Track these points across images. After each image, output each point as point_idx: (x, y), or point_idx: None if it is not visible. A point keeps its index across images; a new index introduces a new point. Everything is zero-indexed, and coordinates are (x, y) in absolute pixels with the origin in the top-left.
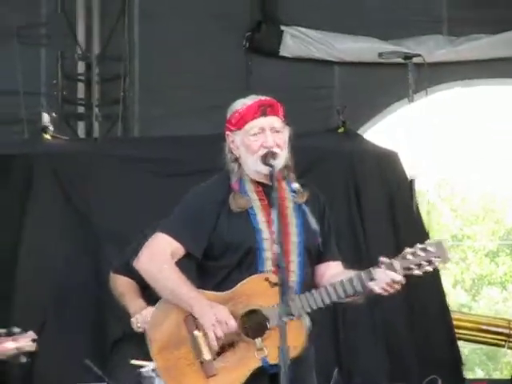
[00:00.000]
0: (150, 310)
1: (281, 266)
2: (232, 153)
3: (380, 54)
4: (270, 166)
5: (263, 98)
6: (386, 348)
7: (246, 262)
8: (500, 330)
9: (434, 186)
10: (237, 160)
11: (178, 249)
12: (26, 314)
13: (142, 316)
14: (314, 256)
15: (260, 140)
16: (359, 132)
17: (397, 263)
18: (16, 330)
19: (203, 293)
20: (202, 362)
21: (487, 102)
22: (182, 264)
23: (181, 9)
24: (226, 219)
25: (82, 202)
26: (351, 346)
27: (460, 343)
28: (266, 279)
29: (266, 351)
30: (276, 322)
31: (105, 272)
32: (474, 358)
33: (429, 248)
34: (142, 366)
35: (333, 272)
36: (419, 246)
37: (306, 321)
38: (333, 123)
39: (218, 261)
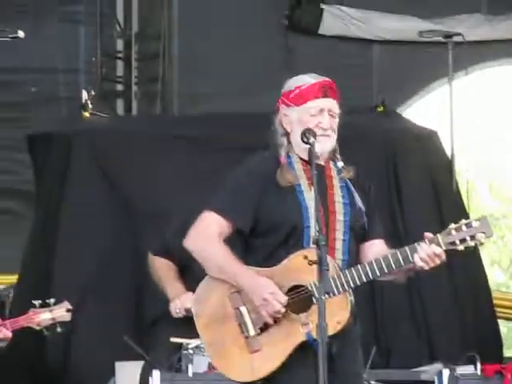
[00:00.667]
0: (190, 295)
1: (319, 244)
2: (283, 127)
3: (420, 33)
4: (308, 143)
5: (325, 78)
6: (425, 327)
7: (293, 238)
8: None
9: (472, 166)
10: (287, 135)
11: (226, 226)
12: (66, 295)
13: (180, 301)
14: (358, 235)
15: (317, 120)
16: (398, 111)
17: (441, 238)
18: (51, 300)
19: (250, 268)
20: (246, 337)
21: None
22: (229, 242)
23: None
24: (274, 195)
25: (121, 181)
26: (390, 325)
27: (499, 322)
28: (305, 257)
29: (311, 326)
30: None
31: (144, 252)
32: None
33: (473, 224)
34: (181, 344)
35: (377, 249)
36: (463, 221)
37: (351, 297)
38: (372, 102)
39: (264, 237)
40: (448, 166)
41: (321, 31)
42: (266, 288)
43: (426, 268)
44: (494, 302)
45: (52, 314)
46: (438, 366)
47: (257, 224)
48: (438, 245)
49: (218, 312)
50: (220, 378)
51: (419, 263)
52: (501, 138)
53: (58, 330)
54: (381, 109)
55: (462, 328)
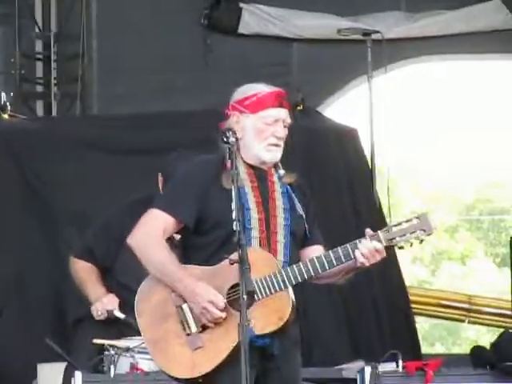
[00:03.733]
0: (111, 296)
1: (240, 243)
2: (234, 132)
3: (339, 31)
4: (228, 142)
5: (279, 88)
6: (346, 325)
7: (234, 239)
8: (460, 305)
9: (394, 164)
10: (236, 140)
11: (170, 222)
12: None
13: (102, 303)
14: (298, 239)
15: (272, 128)
16: (318, 109)
17: (381, 234)
18: None
19: (190, 268)
20: (188, 335)
21: (446, 78)
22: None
23: None
24: (218, 195)
25: (40, 183)
26: (312, 324)
27: (421, 319)
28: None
29: (253, 322)
30: (262, 294)
31: (64, 253)
32: (434, 333)
33: (413, 221)
34: (104, 345)
35: (317, 254)
36: (404, 219)
37: (292, 295)
38: (291, 101)
39: (206, 236)
40: (367, 164)
41: (240, 30)
42: (204, 297)
43: (367, 264)
44: (416, 298)
45: None
46: (360, 363)
47: (200, 223)
48: (379, 241)
49: (160, 310)
50: (142, 379)
51: (360, 259)
52: (422, 136)
53: None
54: (300, 107)
55: (379, 327)
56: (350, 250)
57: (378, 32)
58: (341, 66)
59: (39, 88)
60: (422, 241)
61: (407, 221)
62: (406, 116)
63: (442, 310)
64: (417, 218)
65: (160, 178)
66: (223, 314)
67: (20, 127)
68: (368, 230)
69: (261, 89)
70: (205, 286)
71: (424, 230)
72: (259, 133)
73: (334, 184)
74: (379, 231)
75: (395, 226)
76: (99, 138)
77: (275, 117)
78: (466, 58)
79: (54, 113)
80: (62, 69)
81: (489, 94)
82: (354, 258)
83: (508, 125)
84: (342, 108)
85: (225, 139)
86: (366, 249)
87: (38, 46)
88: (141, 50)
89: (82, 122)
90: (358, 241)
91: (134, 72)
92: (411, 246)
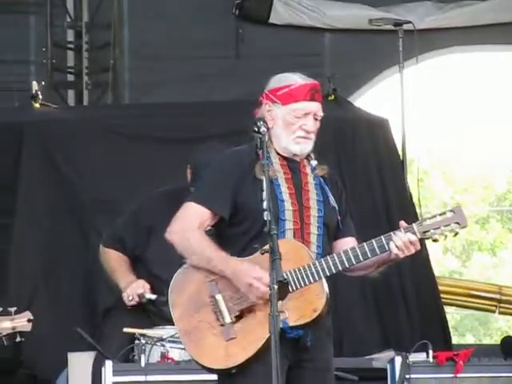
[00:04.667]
0: (141, 282)
1: (271, 233)
2: (265, 122)
3: (370, 21)
4: (259, 132)
5: (313, 80)
6: (376, 315)
7: (265, 229)
8: (490, 295)
9: (425, 154)
10: (268, 130)
11: (206, 215)
12: (20, 283)
13: (132, 289)
14: (331, 231)
15: (301, 122)
16: (350, 99)
17: (415, 226)
18: (12, 309)
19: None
20: (222, 325)
21: (477, 69)
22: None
23: None
24: (252, 186)
25: (72, 171)
26: (342, 314)
27: (452, 309)
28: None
29: (287, 313)
30: (296, 285)
31: (95, 242)
32: (465, 323)
33: (447, 214)
34: (134, 335)
35: (350, 246)
36: (438, 212)
37: (326, 286)
38: (323, 91)
39: (240, 226)
40: (398, 155)
41: (271, 20)
42: (250, 273)
43: (401, 256)
44: (447, 289)
45: (12, 323)
46: (390, 353)
47: (234, 214)
48: (413, 233)
49: (194, 300)
50: (172, 368)
51: (395, 250)
52: (453, 127)
53: (17, 339)
54: (331, 97)
55: (409, 317)
56: (384, 241)
57: (409, 22)
58: (372, 57)
59: (70, 77)
60: (456, 234)
61: (441, 214)
62: (437, 107)
63: (473, 300)
64: (451, 211)
65: (189, 171)
66: (268, 290)
67: (51, 116)
68: (402, 222)
69: (295, 80)
70: (250, 264)
71: (458, 223)
72: (288, 125)
73: (364, 175)
74: (413, 224)
75: (429, 218)
76: (130, 127)
77: (306, 110)
78: (495, 48)
79: (85, 102)
80: (94, 58)
81: None
82: (389, 249)
83: None
84: (374, 98)
85: (256, 129)
86: (401, 241)
87: (70, 36)
88: (171, 38)
89: (113, 111)
90: (392, 233)
91: (165, 61)
92: (445, 238)
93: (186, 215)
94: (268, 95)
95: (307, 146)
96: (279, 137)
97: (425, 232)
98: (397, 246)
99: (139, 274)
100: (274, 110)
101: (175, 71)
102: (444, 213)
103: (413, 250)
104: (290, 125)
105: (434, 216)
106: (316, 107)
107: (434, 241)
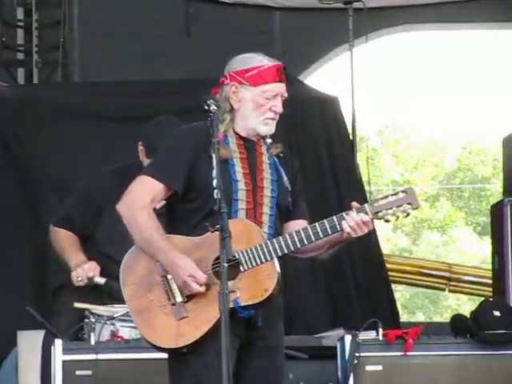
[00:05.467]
0: (93, 264)
1: (221, 212)
2: (229, 103)
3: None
4: (209, 110)
5: (277, 61)
6: (326, 294)
7: (216, 207)
8: (440, 273)
9: (375, 132)
10: (231, 111)
11: (160, 189)
12: None
13: (83, 270)
14: (283, 212)
15: (271, 103)
16: (300, 78)
17: (368, 207)
18: None
19: (175, 238)
20: (173, 305)
21: (428, 47)
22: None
23: None
24: (206, 163)
25: (21, 149)
26: (292, 293)
27: (402, 287)
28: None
29: (238, 293)
30: (247, 265)
31: (45, 221)
32: (415, 302)
33: (400, 195)
34: (84, 313)
35: (303, 227)
36: (390, 192)
37: (277, 266)
38: None
39: (192, 204)
40: (348, 133)
41: None
42: (184, 270)
43: (354, 236)
44: (397, 267)
45: None
46: (340, 331)
47: (187, 190)
48: (366, 213)
49: (145, 280)
50: (123, 346)
51: (347, 230)
52: (402, 105)
53: None
54: None
55: (359, 296)
56: (336, 222)
57: (359, 0)
58: (322, 35)
59: (20, 55)
60: (408, 215)
61: (393, 194)
62: (388, 86)
63: (423, 278)
64: (403, 191)
65: (141, 148)
66: (203, 289)
67: (1, 95)
68: (354, 203)
69: (262, 62)
70: (186, 260)
71: (410, 204)
72: (258, 106)
73: (314, 153)
74: (366, 204)
75: (381, 199)
76: (80, 105)
77: (275, 91)
78: (447, 27)
79: (35, 80)
80: (44, 36)
81: (469, 62)
82: (341, 229)
83: (486, 92)
84: (324, 77)
85: (206, 107)
86: (353, 221)
87: (20, 14)
88: (122, 17)
89: (63, 90)
90: (344, 213)
91: (114, 40)
92: (397, 219)
93: (139, 189)
94: (234, 76)
95: (273, 128)
96: (247, 118)
97: (377, 212)
98: (349, 226)
99: (90, 254)
100: (241, 91)
101: (125, 50)
102: (396, 193)
103: (366, 230)
104: (260, 106)
105: (386, 196)
106: (283, 88)
107: (386, 221)
